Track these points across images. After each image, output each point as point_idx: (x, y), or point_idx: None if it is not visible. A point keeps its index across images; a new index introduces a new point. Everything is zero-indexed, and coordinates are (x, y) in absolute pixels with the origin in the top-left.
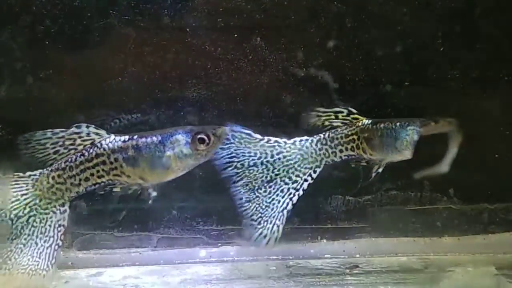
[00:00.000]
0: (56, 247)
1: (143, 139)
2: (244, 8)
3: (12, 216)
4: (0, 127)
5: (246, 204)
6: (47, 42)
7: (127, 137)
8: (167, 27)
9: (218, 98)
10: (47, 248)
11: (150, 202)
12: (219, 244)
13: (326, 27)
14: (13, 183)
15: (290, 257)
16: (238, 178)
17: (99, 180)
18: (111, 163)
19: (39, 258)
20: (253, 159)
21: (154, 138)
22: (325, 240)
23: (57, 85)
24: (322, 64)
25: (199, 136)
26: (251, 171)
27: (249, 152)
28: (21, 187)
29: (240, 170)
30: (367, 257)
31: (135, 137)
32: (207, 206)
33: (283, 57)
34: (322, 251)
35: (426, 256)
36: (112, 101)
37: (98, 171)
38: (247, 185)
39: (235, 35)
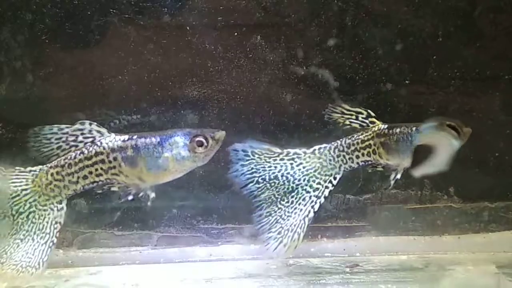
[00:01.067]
0: (51, 244)
1: (142, 140)
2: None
3: (13, 212)
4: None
5: (266, 219)
6: (47, 40)
7: (126, 136)
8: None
9: (218, 97)
10: (42, 245)
11: (149, 203)
12: (220, 243)
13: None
14: (14, 177)
15: (290, 256)
16: (260, 192)
17: (97, 179)
18: (110, 162)
19: (33, 254)
20: (273, 172)
21: (153, 139)
22: (325, 239)
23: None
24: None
25: (197, 138)
26: (273, 184)
27: (270, 167)
28: (21, 182)
29: (262, 184)
30: (367, 256)
31: (135, 137)
32: (207, 205)
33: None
34: (322, 249)
35: (426, 255)
36: (111, 100)
37: (96, 170)
38: (269, 198)
39: (235, 34)
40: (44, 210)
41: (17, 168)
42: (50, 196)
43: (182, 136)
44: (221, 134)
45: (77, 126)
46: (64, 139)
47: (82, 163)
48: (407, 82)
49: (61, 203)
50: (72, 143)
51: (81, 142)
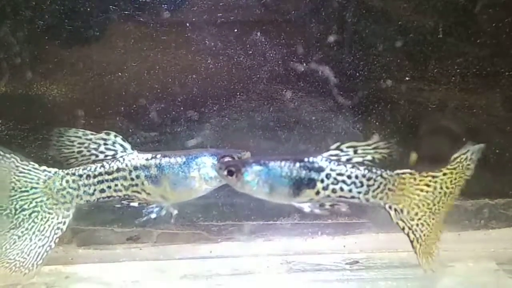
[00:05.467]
0: (48, 248)
1: (167, 159)
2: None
3: (17, 206)
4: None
5: None
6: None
7: (150, 155)
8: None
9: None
10: (39, 247)
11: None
12: (220, 240)
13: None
14: (26, 172)
15: (290, 253)
16: None
17: (115, 194)
18: (132, 179)
19: (28, 255)
20: None
21: (178, 159)
22: (325, 236)
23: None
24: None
25: (226, 159)
26: None
27: None
28: (33, 179)
29: None
30: (367, 253)
31: (158, 155)
32: (207, 202)
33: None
34: (322, 246)
35: None
36: (110, 98)
37: (116, 185)
38: None
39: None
40: (49, 213)
41: (31, 163)
42: (59, 201)
43: (209, 156)
44: (247, 154)
45: (102, 135)
46: (86, 145)
47: (101, 176)
48: (407, 78)
49: (68, 211)
50: (93, 151)
51: (102, 152)
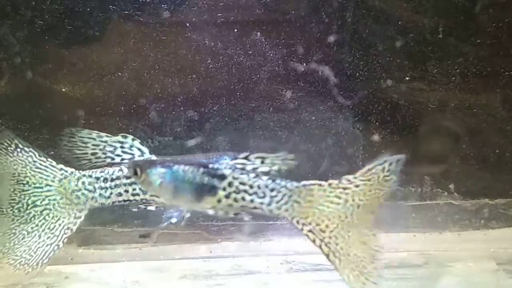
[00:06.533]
0: (56, 247)
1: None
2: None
3: (29, 201)
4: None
5: None
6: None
7: (168, 159)
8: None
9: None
10: (47, 245)
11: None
12: (219, 240)
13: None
14: (43, 168)
15: (290, 253)
16: None
17: (132, 198)
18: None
19: (34, 252)
20: None
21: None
22: None
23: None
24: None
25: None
26: None
27: None
28: (48, 176)
29: None
30: None
31: (178, 159)
32: None
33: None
34: None
35: (426, 252)
36: (110, 97)
37: (134, 189)
38: None
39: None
40: (61, 213)
41: (49, 160)
42: (73, 202)
43: (230, 159)
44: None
45: (119, 138)
46: (101, 147)
47: (119, 180)
48: (407, 78)
49: (81, 212)
50: (109, 154)
51: (118, 155)
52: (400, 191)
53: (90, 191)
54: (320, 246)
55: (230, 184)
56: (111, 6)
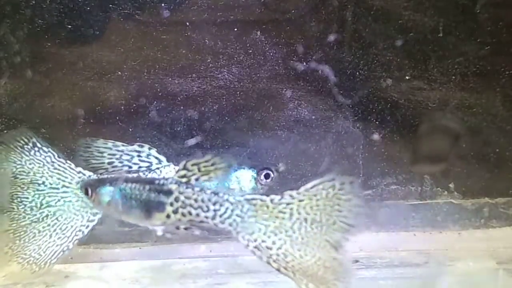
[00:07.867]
0: (66, 248)
1: None
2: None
3: (44, 201)
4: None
5: None
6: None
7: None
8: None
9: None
10: (57, 245)
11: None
12: (219, 239)
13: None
14: (62, 170)
15: None
16: None
17: None
18: None
19: (44, 252)
20: None
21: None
22: None
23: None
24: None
25: (265, 172)
26: None
27: None
28: (66, 177)
29: None
30: (367, 252)
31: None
32: None
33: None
34: None
35: (426, 251)
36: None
37: None
38: None
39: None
40: (75, 214)
41: (68, 162)
42: (88, 205)
43: (248, 169)
44: (283, 167)
45: (135, 147)
46: (118, 156)
47: None
48: (407, 77)
49: (94, 216)
50: (126, 162)
51: (136, 164)
52: (401, 190)
53: None
54: (268, 263)
55: (176, 199)
56: (111, 5)
